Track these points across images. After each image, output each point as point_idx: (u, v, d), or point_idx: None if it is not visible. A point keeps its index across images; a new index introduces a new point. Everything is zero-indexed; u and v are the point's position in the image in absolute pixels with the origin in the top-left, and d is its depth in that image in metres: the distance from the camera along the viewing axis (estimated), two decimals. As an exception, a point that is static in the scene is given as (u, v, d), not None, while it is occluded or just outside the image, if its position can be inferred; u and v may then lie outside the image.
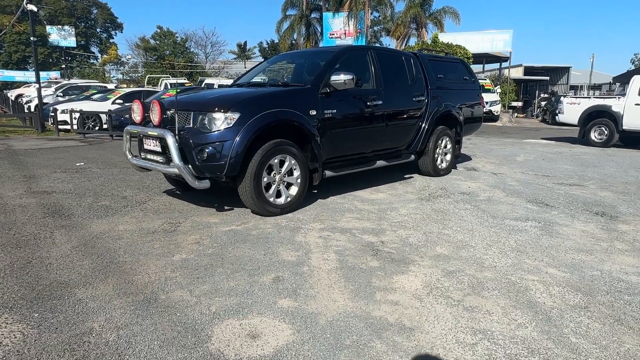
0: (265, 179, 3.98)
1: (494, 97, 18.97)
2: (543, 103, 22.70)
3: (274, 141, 3.99)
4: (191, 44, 44.85)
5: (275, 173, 4.09)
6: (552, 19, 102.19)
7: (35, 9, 13.50)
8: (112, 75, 43.62)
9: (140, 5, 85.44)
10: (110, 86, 21.94)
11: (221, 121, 3.78)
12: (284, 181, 4.19)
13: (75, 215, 4.09)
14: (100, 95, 15.89)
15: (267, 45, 46.64)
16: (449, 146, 6.32)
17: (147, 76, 32.56)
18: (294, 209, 4.25)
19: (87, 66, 44.10)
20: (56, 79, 39.32)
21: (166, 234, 3.55)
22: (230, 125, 3.76)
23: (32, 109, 17.13)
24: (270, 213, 4.07)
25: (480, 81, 19.96)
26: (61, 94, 20.17)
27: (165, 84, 24.78)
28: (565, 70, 30.39)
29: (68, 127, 12.70)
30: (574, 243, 3.43)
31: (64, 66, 42.58)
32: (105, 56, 44.94)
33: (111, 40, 48.49)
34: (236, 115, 3.79)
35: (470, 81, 6.92)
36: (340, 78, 4.45)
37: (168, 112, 4.09)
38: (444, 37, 21.87)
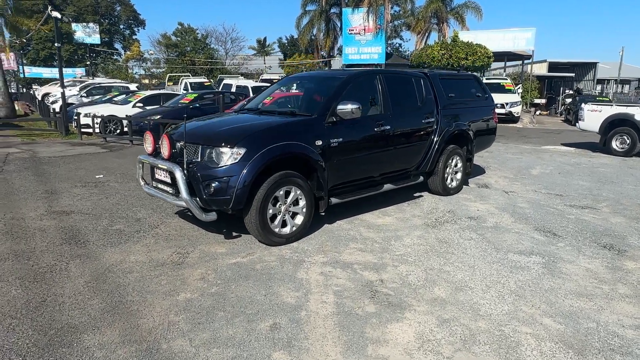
0: (270, 211, 4.08)
1: (515, 97, 18.61)
2: (567, 100, 22.14)
3: (279, 173, 4.08)
4: (211, 40, 45.28)
5: (280, 204, 4.18)
6: (578, 12, 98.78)
7: (59, 15, 13.89)
8: (134, 72, 44.40)
9: (162, 2, 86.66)
10: (132, 87, 22.38)
11: (228, 156, 3.89)
12: (290, 211, 4.28)
13: (90, 242, 4.28)
14: (122, 97, 16.25)
15: (286, 41, 46.68)
16: (459, 165, 6.30)
17: (167, 75, 32.99)
18: (299, 238, 4.34)
19: (110, 62, 45.00)
20: (81, 75, 40.36)
21: (174, 266, 3.70)
22: (237, 160, 3.87)
23: (57, 110, 17.70)
24: (276, 243, 4.18)
25: (500, 81, 19.68)
26: (85, 95, 20.71)
27: (186, 83, 25.19)
28: (592, 65, 29.49)
29: (90, 130, 13.11)
30: (575, 285, 3.42)
31: (88, 63, 43.57)
32: (128, 53, 45.79)
33: (134, 37, 49.38)
34: (242, 151, 3.89)
35: (483, 97, 6.85)
36: (346, 108, 4.50)
37: (178, 144, 4.22)
38: (465, 36, 21.49)
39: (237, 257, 3.91)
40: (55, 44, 14.04)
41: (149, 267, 3.69)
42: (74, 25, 42.99)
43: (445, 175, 6.10)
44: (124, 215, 5.14)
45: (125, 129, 12.82)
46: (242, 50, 47.53)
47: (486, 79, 21.20)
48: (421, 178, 5.79)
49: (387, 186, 5.29)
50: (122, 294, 3.19)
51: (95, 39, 43.70)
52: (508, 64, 27.71)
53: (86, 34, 43.35)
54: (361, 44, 37.57)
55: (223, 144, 3.95)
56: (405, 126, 5.40)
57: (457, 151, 6.20)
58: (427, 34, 36.57)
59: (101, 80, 26.83)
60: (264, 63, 47.69)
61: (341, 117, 4.54)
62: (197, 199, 3.98)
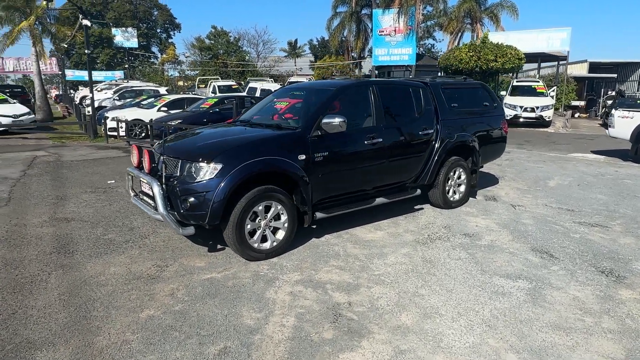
0: (249, 226, 4.06)
1: (546, 101, 17.84)
2: (609, 102, 20.99)
3: (258, 188, 4.06)
4: (244, 43, 46.00)
5: (260, 219, 4.16)
6: (621, 10, 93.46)
7: (89, 24, 14.46)
8: (170, 74, 45.73)
9: (197, 6, 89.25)
10: (162, 90, 23.04)
11: (204, 171, 3.90)
12: (270, 226, 4.25)
13: (78, 251, 4.40)
14: (149, 101, 16.75)
15: (317, 43, 46.79)
16: (463, 177, 6.07)
17: (197, 78, 33.77)
18: (281, 253, 4.30)
19: (147, 65, 46.54)
20: (119, 78, 42.00)
21: (148, 280, 3.74)
22: (213, 175, 3.87)
23: (90, 112, 18.48)
24: (255, 258, 4.15)
25: (532, 83, 18.92)
26: (117, 98, 21.50)
27: (214, 86, 25.71)
28: (637, 65, 27.85)
29: (117, 133, 13.60)
30: (556, 316, 3.20)
31: (127, 66, 45.27)
32: (164, 56, 47.23)
33: (170, 40, 50.90)
34: (219, 166, 3.89)
35: (491, 107, 6.58)
36: (331, 121, 4.42)
37: (162, 158, 4.28)
38: (495, 37, 20.80)
39: (213, 272, 3.91)
40: (85, 51, 14.60)
41: (124, 280, 3.75)
42: (113, 30, 44.76)
43: (447, 188, 5.90)
44: (120, 224, 5.27)
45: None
46: (273, 53, 48.08)
47: (517, 81, 20.45)
48: (418, 191, 5.62)
49: (380, 200, 5.16)
50: (89, 309, 3.25)
51: (133, 43, 45.31)
52: (543, 65, 26.60)
53: (125, 38, 45.03)
54: (391, 45, 37.17)
55: (200, 159, 3.96)
56: (399, 138, 5.25)
57: (460, 163, 5.97)
58: (460, 35, 35.75)
59: (134, 83, 27.76)
60: (295, 65, 48.00)
61: (327, 131, 4.47)
62: (176, 212, 4.02)
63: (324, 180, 4.55)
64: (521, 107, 17.56)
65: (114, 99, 21.62)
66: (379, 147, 4.98)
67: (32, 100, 19.43)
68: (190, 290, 3.57)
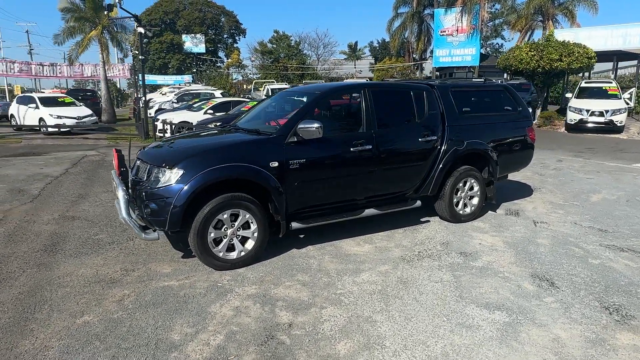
0: (212, 234, 3.94)
1: (618, 104, 16.02)
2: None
3: (223, 196, 3.92)
4: (304, 46, 46.60)
5: (226, 227, 4.02)
6: None
7: (143, 30, 15.32)
8: (233, 78, 47.49)
9: (261, 12, 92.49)
10: (217, 93, 23.89)
11: (166, 177, 3.84)
12: (238, 235, 4.09)
13: (63, 250, 4.55)
14: (198, 104, 17.41)
15: (377, 45, 46.22)
16: (475, 188, 5.52)
17: (254, 81, 34.69)
18: (249, 263, 4.13)
19: (213, 70, 48.72)
20: (187, 82, 44.40)
21: (107, 284, 3.74)
22: (173, 182, 3.80)
23: (152, 114, 19.64)
24: (219, 267, 4.02)
25: (602, 85, 17.12)
26: (176, 101, 22.64)
27: (267, 89, 26.24)
28: None
29: (167, 134, 14.27)
30: (520, 360, 2.72)
31: (194, 70, 47.70)
32: (229, 60, 49.18)
33: (235, 45, 52.92)
34: (180, 172, 3.81)
35: (514, 111, 5.93)
36: (307, 127, 4.18)
37: (137, 163, 4.29)
38: (562, 35, 19.12)
39: (172, 280, 3.83)
40: (140, 57, 15.47)
41: (85, 282, 3.78)
42: (183, 37, 47.43)
43: (455, 200, 5.39)
44: (116, 225, 5.39)
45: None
46: (333, 55, 48.20)
47: (585, 82, 18.63)
48: (418, 203, 5.17)
49: (370, 211, 4.81)
50: (35, 311, 3.30)
51: (201, 48, 47.71)
52: (621, 64, 24.01)
53: (194, 44, 47.56)
54: (453, 46, 35.72)
55: (164, 165, 3.91)
56: (393, 145, 4.87)
57: (472, 173, 5.43)
58: (530, 33, 33.48)
59: (195, 87, 29.12)
60: (354, 67, 47.75)
61: (304, 137, 4.23)
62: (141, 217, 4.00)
63: (302, 188, 4.31)
64: (587, 110, 15.93)
65: (172, 102, 22.78)
66: (368, 155, 4.63)
67: (100, 102, 21.04)
68: (140, 297, 3.51)
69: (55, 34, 18.77)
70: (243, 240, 4.14)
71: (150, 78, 49.55)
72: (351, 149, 4.54)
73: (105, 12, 16.03)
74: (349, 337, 2.97)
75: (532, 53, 17.78)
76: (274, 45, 45.91)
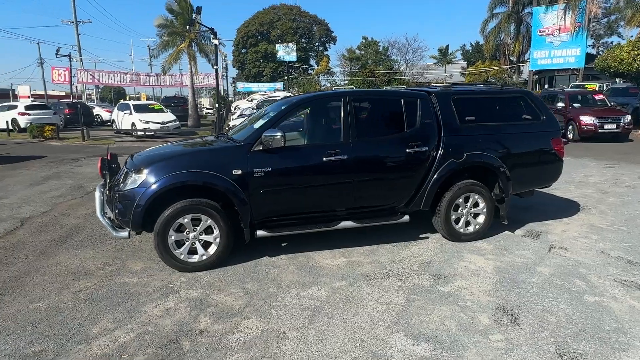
0: (172, 237, 4.12)
1: None
2: None
3: (183, 201, 4.09)
4: (393, 52, 46.03)
5: (188, 231, 4.18)
6: None
7: (217, 42, 16.47)
8: (322, 85, 48.60)
9: (352, 19, 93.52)
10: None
11: (132, 180, 4.12)
12: (201, 239, 4.23)
13: (69, 242, 5.10)
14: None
15: (470, 48, 43.89)
16: (481, 205, 5.01)
17: (332, 87, 35.08)
18: (211, 267, 4.24)
19: (304, 77, 50.43)
20: (278, 89, 46.54)
21: (79, 276, 4.13)
22: (136, 185, 4.06)
23: (234, 119, 20.95)
24: (181, 269, 4.20)
25: None
26: (254, 107, 23.90)
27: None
28: None
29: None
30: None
31: (286, 78, 49.78)
32: (318, 67, 50.50)
33: (325, 53, 54.18)
34: (143, 177, 4.07)
35: (536, 120, 5.26)
36: (270, 135, 4.19)
37: (124, 167, 4.66)
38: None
39: (135, 277, 4.10)
40: (214, 67, 16.65)
41: (63, 273, 4.21)
42: (277, 46, 49.81)
43: (455, 217, 4.94)
44: (129, 222, 5.90)
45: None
46: (422, 60, 46.84)
47: None
48: (406, 218, 4.82)
49: (346, 224, 4.62)
50: (7, 293, 3.76)
51: (293, 56, 49.66)
52: None
53: (286, 52, 49.69)
54: (554, 47, 32.67)
55: (132, 169, 4.20)
56: (374, 155, 4.63)
57: (476, 188, 4.94)
58: (650, 29, 29.28)
59: (280, 94, 30.37)
60: (445, 72, 45.90)
61: (269, 146, 4.23)
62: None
63: (268, 197, 4.32)
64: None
65: (252, 108, 24.07)
66: (343, 165, 4.47)
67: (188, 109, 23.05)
68: (96, 290, 3.82)
69: (152, 47, 21.02)
70: (206, 245, 4.26)
71: (246, 85, 52.92)
72: (324, 159, 4.43)
73: (187, 27, 17.56)
74: (246, 351, 2.91)
75: (635, 52, 15.52)
76: (362, 52, 46.05)
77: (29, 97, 28.93)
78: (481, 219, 5.06)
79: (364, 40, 45.94)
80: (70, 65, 29.45)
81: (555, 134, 5.32)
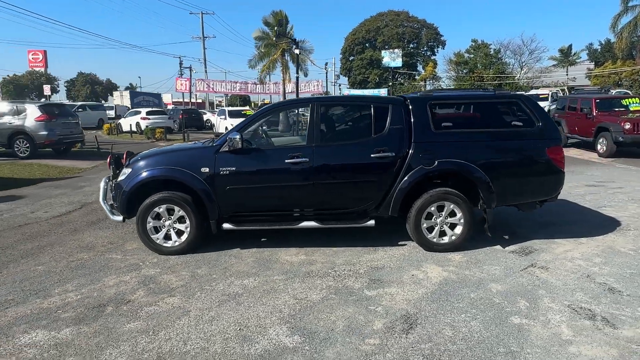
0: (150, 224, 4.79)
1: None
2: None
3: (159, 193, 4.75)
4: (505, 54, 42.89)
5: (164, 219, 4.82)
6: None
7: (298, 51, 17.41)
8: (427, 90, 47.40)
9: (463, 22, 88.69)
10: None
11: (123, 173, 4.92)
12: (175, 227, 4.84)
13: (100, 224, 6.16)
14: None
15: (599, 47, 38.77)
16: (458, 215, 4.80)
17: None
18: (181, 253, 4.80)
19: (409, 82, 49.71)
20: (383, 95, 46.53)
21: (83, 250, 5.04)
22: (125, 177, 4.85)
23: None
24: (158, 251, 4.86)
25: None
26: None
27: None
28: None
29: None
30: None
31: (390, 84, 49.60)
32: (423, 73, 49.32)
33: (432, 57, 52.63)
34: (129, 170, 4.84)
35: (529, 128, 4.84)
36: (232, 137, 4.64)
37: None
38: None
39: (121, 255, 4.87)
40: (295, 75, 17.62)
41: (76, 247, 5.17)
42: (382, 52, 49.93)
43: (426, 225, 4.82)
44: (157, 211, 6.84)
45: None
46: (540, 62, 42.69)
47: None
48: (371, 222, 4.85)
49: (308, 224, 4.84)
50: (25, 257, 4.80)
51: (398, 62, 49.29)
52: None
53: (391, 59, 49.52)
54: None
55: (127, 164, 5.00)
56: (335, 160, 4.77)
57: (450, 197, 4.75)
58: None
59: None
60: (566, 74, 41.25)
61: (231, 147, 4.68)
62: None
63: (233, 194, 4.76)
64: None
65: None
66: (304, 168, 4.71)
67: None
68: (83, 262, 4.65)
69: (249, 59, 23.04)
70: (179, 233, 4.87)
71: (352, 92, 53.94)
72: (286, 161, 4.73)
73: (274, 38, 18.89)
74: (147, 320, 3.37)
75: None
76: (471, 55, 43.78)
77: (170, 103, 33.64)
78: (458, 229, 4.83)
79: (473, 43, 43.68)
80: (191, 75, 33.48)
81: (552, 142, 4.82)
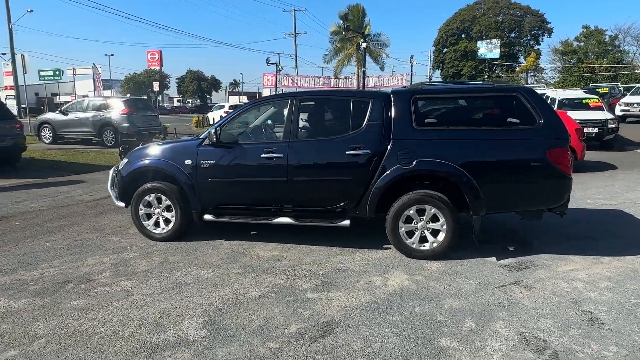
0: (142, 211, 5.14)
1: None
2: None
3: (150, 182, 5.07)
4: (625, 41, 37.48)
5: (154, 207, 5.14)
6: None
7: (365, 45, 17.10)
8: (527, 83, 43.54)
9: (573, 6, 78.11)
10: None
11: (122, 163, 5.34)
12: (163, 216, 5.13)
13: (109, 211, 6.74)
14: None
15: None
16: (441, 220, 4.39)
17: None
18: (167, 240, 5.08)
19: (507, 75, 46.05)
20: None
21: (92, 231, 5.58)
22: (122, 166, 5.27)
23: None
24: (149, 237, 5.20)
25: None
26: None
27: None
28: None
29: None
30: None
31: (485, 77, 46.43)
32: (523, 64, 45.23)
33: (536, 47, 47.92)
34: (126, 160, 5.24)
35: (527, 126, 4.22)
36: (210, 131, 4.77)
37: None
38: None
39: (118, 238, 5.31)
40: (362, 69, 17.34)
41: (86, 228, 5.74)
42: (478, 43, 46.88)
43: (404, 230, 4.49)
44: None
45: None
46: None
47: None
48: (346, 222, 4.64)
49: (283, 220, 4.80)
50: (48, 233, 5.46)
51: (495, 53, 45.92)
52: None
53: (488, 49, 46.31)
54: None
55: (127, 154, 5.41)
56: (309, 156, 4.64)
57: (431, 200, 4.36)
58: None
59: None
60: None
61: (210, 141, 4.82)
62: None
63: (213, 186, 4.90)
64: None
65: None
66: (279, 164, 4.67)
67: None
68: (86, 242, 5.14)
69: (324, 54, 23.19)
70: (167, 221, 5.15)
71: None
72: (261, 156, 4.73)
73: (343, 32, 18.75)
74: (92, 299, 3.65)
75: None
76: (582, 43, 39.07)
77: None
78: (441, 236, 4.42)
79: (584, 30, 38.87)
80: (277, 71, 34.77)
81: (553, 142, 4.14)
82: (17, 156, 10.67)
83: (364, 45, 17.74)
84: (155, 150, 5.26)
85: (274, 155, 4.67)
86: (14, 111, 29.96)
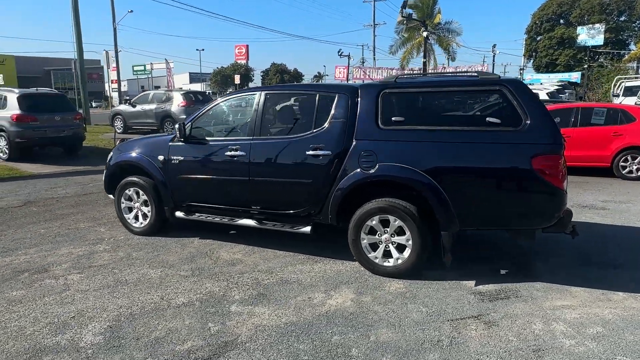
0: (123, 205, 5.22)
1: None
2: None
3: (129, 177, 5.12)
4: None
5: (134, 202, 5.18)
6: None
7: (426, 34, 16.01)
8: (638, 73, 38.08)
9: None
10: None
11: (109, 157, 5.47)
12: (142, 210, 5.16)
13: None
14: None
15: None
16: (407, 234, 3.83)
17: (615, 78, 26.42)
18: (144, 234, 5.12)
19: (611, 64, 40.72)
20: (575, 79, 39.57)
21: (89, 221, 5.81)
22: (107, 160, 5.40)
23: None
24: (130, 231, 5.27)
25: None
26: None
27: (623, 87, 20.36)
28: None
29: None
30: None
31: (585, 66, 41.57)
32: (633, 51, 39.45)
33: (653, 31, 41.52)
34: (110, 155, 5.37)
35: (511, 127, 3.46)
36: (178, 127, 4.66)
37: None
38: None
39: (106, 229, 5.45)
40: (422, 60, 16.30)
41: (86, 217, 5.99)
42: (578, 29, 41.98)
43: (367, 242, 4.00)
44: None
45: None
46: None
47: None
48: (306, 229, 4.24)
49: (246, 222, 4.55)
50: (41, 220, 5.80)
51: (598, 40, 40.77)
52: None
53: (589, 36, 41.27)
54: None
55: (115, 147, 5.52)
56: (269, 155, 4.30)
57: (395, 210, 3.81)
58: None
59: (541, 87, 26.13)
60: None
61: (178, 137, 4.71)
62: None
63: (183, 183, 4.80)
64: None
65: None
66: (241, 162, 4.41)
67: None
68: (75, 231, 5.35)
69: (390, 44, 22.24)
70: (145, 216, 5.17)
71: (535, 77, 47.10)
72: (225, 154, 4.51)
73: (404, 22, 17.70)
74: (54, 291, 3.74)
75: None
76: None
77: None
78: (406, 252, 3.86)
79: None
80: (349, 63, 34.31)
81: (541, 148, 3.34)
82: (77, 145, 11.65)
83: (424, 34, 16.53)
84: (137, 144, 5.29)
85: (237, 153, 4.42)
86: (116, 103, 33.28)
